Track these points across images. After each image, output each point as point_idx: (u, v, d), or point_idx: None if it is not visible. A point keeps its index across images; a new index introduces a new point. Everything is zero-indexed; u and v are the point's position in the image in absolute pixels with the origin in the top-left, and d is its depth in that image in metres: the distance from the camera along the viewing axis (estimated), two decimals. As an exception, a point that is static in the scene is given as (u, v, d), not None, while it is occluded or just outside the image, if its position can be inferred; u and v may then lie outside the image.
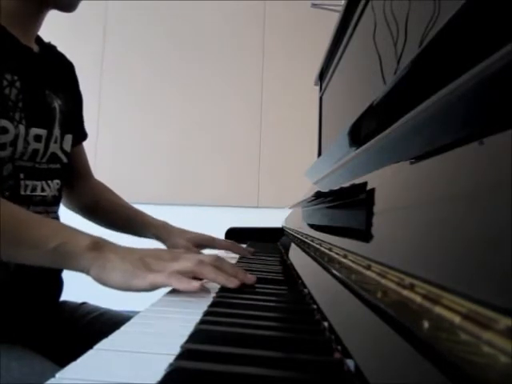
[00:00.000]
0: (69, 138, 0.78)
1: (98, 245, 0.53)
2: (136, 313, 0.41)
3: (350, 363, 0.26)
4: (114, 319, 0.76)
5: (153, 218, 0.91)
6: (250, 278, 0.53)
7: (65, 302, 0.80)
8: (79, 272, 0.53)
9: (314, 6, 1.77)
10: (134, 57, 2.65)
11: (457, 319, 0.16)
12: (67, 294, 0.80)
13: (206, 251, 0.75)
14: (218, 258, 0.54)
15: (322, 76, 1.19)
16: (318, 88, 1.24)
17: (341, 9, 0.84)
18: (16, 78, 0.65)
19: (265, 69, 2.66)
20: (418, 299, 0.19)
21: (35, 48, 0.74)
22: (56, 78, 0.77)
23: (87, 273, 0.52)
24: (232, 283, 0.50)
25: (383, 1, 0.55)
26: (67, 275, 0.78)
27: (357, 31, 0.73)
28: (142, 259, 0.51)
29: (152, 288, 0.49)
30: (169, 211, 2.45)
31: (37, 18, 0.72)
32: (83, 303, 0.81)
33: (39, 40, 0.78)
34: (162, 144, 2.60)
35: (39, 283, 0.70)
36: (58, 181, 0.74)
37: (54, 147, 0.72)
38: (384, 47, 0.53)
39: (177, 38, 2.66)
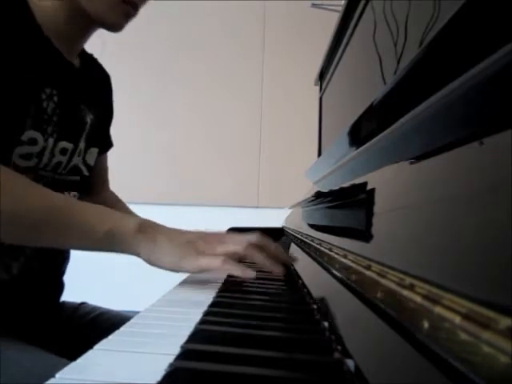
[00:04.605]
0: (94, 151, 0.77)
1: (146, 227, 0.54)
2: (136, 313, 0.41)
3: (349, 363, 0.26)
4: (114, 319, 0.76)
5: None
6: (292, 259, 0.62)
7: (64, 302, 0.80)
8: (130, 255, 0.54)
9: (314, 6, 1.77)
10: (133, 56, 2.65)
11: (457, 319, 0.16)
12: (67, 294, 0.80)
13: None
14: (261, 237, 0.56)
15: (322, 76, 1.19)
16: (317, 88, 1.24)
17: (341, 9, 0.84)
18: (55, 92, 0.64)
19: (265, 69, 2.66)
20: (418, 299, 0.19)
21: (77, 62, 0.73)
22: (92, 93, 0.76)
23: (138, 256, 0.53)
24: (277, 268, 0.55)
25: (383, 1, 0.55)
26: (67, 275, 0.78)
27: (357, 31, 0.73)
28: (190, 241, 0.53)
29: (201, 271, 0.51)
30: (169, 211, 2.47)
31: (84, 35, 0.71)
32: (83, 303, 0.81)
33: (82, 52, 0.77)
34: (162, 144, 2.60)
35: (41, 286, 0.70)
36: (75, 193, 0.73)
37: (76, 160, 0.72)
38: (384, 47, 0.53)
39: (177, 37, 2.66)
